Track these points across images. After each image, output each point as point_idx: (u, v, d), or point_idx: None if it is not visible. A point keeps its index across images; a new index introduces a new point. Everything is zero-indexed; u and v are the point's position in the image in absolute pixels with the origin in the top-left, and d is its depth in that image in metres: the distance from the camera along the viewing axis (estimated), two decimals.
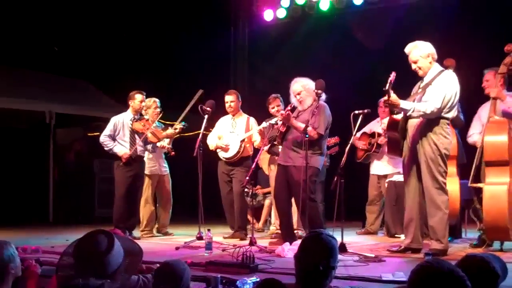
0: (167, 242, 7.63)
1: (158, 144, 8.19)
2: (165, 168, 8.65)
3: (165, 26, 12.62)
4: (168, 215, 8.65)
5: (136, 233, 8.18)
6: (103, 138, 8.06)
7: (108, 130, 8.08)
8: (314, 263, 2.92)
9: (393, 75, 5.61)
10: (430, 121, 5.67)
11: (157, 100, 8.43)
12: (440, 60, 6.12)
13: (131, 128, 8.06)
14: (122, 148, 7.99)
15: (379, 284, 4.19)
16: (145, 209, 8.37)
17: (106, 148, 8.07)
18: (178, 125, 8.07)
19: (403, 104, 5.67)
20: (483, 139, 6.19)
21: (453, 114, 5.77)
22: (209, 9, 12.56)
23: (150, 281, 3.55)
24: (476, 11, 10.17)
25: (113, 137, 8.05)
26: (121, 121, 8.12)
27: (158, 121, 8.41)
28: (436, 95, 5.61)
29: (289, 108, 6.74)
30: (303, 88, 6.69)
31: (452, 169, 6.81)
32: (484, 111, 6.71)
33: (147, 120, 8.11)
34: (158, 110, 8.37)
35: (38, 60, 12.72)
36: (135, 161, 8.05)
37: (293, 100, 6.79)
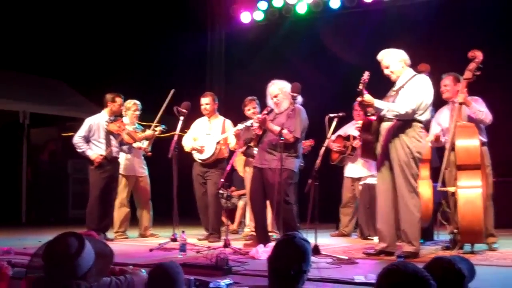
0: (141, 244, 7.60)
1: (135, 145, 8.16)
2: (143, 170, 8.60)
3: (141, 27, 12.58)
4: (149, 217, 8.56)
5: (110, 234, 8.13)
6: (77, 139, 8.02)
7: (82, 131, 8.04)
8: (286, 267, 2.93)
9: (366, 75, 5.65)
10: (404, 124, 5.71)
11: (137, 102, 8.45)
12: (414, 65, 6.18)
13: (106, 129, 8.03)
14: (95, 151, 7.95)
15: (351, 286, 4.22)
16: (119, 211, 8.32)
17: (78, 150, 8.03)
18: (158, 128, 8.05)
19: (377, 103, 5.71)
20: (454, 143, 6.26)
21: (426, 117, 5.83)
22: (185, 11, 12.54)
23: (122, 283, 3.54)
24: (451, 18, 10.31)
25: (87, 139, 8.02)
26: (97, 122, 8.09)
27: (137, 123, 8.42)
28: (410, 97, 5.67)
29: (265, 112, 6.76)
30: (280, 91, 6.70)
31: (426, 172, 6.88)
32: (441, 115, 6.81)
33: (123, 121, 8.10)
34: (138, 112, 8.39)
35: (12, 59, 12.59)
36: (110, 162, 8.02)
37: (270, 103, 6.81)
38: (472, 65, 6.38)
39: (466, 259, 3.20)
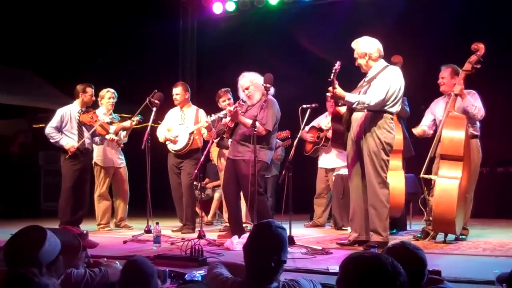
0: (114, 236, 7.55)
1: (107, 136, 8.09)
2: (121, 161, 8.56)
3: (112, 15, 12.44)
4: (125, 208, 8.55)
5: (86, 227, 8.06)
6: (50, 130, 7.92)
7: (54, 122, 7.94)
8: (266, 260, 2.89)
9: (338, 64, 5.64)
10: (374, 115, 5.74)
11: (112, 90, 8.45)
12: (388, 56, 6.20)
13: (78, 120, 7.96)
14: (68, 141, 7.87)
15: (326, 276, 4.24)
16: (101, 204, 8.34)
17: (52, 141, 7.93)
18: (135, 118, 8.01)
19: (348, 96, 5.72)
20: (440, 132, 6.30)
21: (397, 108, 5.84)
22: (157, 1, 12.47)
23: (97, 275, 3.52)
24: (425, 8, 10.38)
25: (59, 129, 7.93)
26: (69, 113, 8.00)
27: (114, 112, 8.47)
28: (381, 87, 5.69)
29: (237, 104, 6.74)
30: (251, 83, 6.69)
31: (398, 163, 6.93)
32: (437, 106, 6.80)
33: (95, 112, 8.05)
34: (113, 101, 8.41)
35: None
36: (83, 153, 7.95)
37: (242, 95, 6.79)
38: (473, 58, 6.36)
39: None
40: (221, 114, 7.43)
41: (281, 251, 2.95)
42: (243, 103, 6.76)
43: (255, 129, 6.17)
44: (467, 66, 6.40)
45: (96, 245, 4.11)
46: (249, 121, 6.36)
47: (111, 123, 8.16)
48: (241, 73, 6.82)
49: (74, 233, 3.74)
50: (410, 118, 7.33)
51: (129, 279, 3.19)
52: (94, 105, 8.42)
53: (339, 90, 5.67)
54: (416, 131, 6.89)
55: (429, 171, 6.40)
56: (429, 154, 6.41)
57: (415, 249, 2.87)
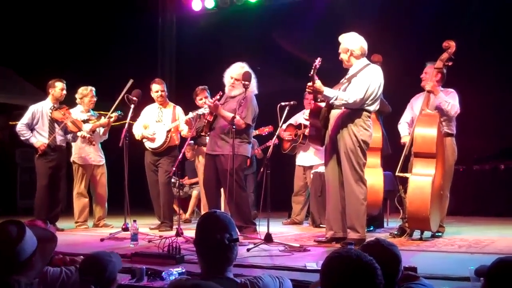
0: (91, 234, 7.51)
1: (78, 133, 8.00)
2: (101, 158, 8.47)
3: (91, 11, 12.34)
4: (102, 210, 8.46)
5: (63, 225, 8.02)
6: (20, 127, 7.86)
7: (26, 118, 7.88)
8: (217, 239, 2.87)
9: (318, 61, 5.70)
10: (352, 113, 5.75)
11: (93, 88, 8.38)
12: (367, 55, 6.23)
13: (50, 117, 7.88)
14: (38, 139, 7.80)
15: (304, 273, 4.26)
16: (78, 202, 8.26)
17: (22, 138, 7.89)
18: (114, 114, 7.94)
19: (327, 91, 5.73)
20: (413, 131, 6.35)
21: (375, 107, 5.86)
22: None
23: (73, 274, 3.49)
24: (404, 5, 10.44)
25: (30, 126, 7.87)
26: (40, 109, 7.93)
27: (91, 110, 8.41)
28: (360, 86, 5.70)
29: (217, 97, 6.73)
30: (240, 75, 6.63)
31: (376, 160, 6.97)
32: (417, 102, 6.85)
33: (67, 109, 7.97)
34: (94, 99, 8.35)
35: None
36: (55, 151, 7.90)
37: (227, 80, 6.76)
38: (444, 55, 6.47)
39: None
40: (199, 111, 7.39)
41: (232, 229, 2.94)
42: (218, 96, 6.74)
43: (234, 127, 6.17)
44: (439, 63, 6.51)
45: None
46: (229, 115, 6.36)
47: (87, 120, 8.09)
48: (224, 70, 6.83)
49: (44, 227, 3.71)
50: (388, 117, 7.37)
51: (85, 272, 3.22)
52: (72, 103, 8.34)
53: (318, 83, 5.68)
54: (400, 129, 6.95)
55: (404, 169, 6.45)
56: (404, 152, 6.46)
57: (390, 245, 2.90)
